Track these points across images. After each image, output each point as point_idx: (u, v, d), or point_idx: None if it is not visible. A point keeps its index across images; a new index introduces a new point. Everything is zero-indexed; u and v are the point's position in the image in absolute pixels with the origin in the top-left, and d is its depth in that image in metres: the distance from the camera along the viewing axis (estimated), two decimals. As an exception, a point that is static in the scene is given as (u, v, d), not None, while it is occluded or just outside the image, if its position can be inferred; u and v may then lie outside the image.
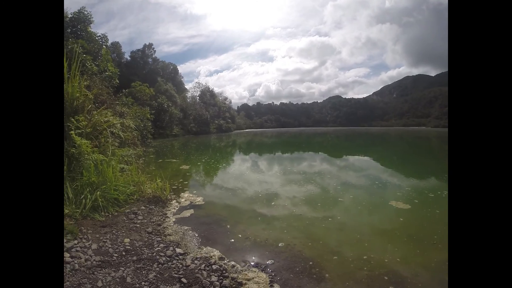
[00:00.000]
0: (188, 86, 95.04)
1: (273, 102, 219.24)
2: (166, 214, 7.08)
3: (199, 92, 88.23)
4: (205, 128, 73.07)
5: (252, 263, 4.68)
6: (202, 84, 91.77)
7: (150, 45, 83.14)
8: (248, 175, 13.77)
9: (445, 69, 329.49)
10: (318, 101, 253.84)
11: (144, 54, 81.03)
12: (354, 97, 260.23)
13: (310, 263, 4.74)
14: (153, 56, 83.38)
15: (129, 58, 78.16)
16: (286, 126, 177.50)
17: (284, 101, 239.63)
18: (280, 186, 10.92)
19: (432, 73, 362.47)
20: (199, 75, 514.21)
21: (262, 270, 4.45)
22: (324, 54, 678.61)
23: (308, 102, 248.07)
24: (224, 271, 4.34)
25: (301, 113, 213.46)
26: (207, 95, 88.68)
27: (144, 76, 67.19)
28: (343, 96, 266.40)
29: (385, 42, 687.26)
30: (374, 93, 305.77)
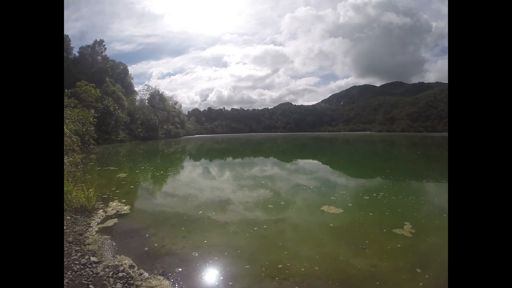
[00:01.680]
0: (138, 88, 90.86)
1: (224, 108, 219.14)
2: (90, 223, 7.04)
3: (148, 95, 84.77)
4: (153, 133, 70.72)
5: (160, 271, 4.74)
6: (151, 87, 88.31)
7: (101, 41, 78.39)
8: (186, 182, 13.74)
9: (389, 80, 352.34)
10: (269, 108, 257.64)
11: (93, 51, 76.12)
12: (304, 104, 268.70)
13: (220, 271, 4.81)
14: (103, 54, 78.76)
15: (77, 54, 73.43)
16: (237, 131, 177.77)
17: (236, 106, 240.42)
18: (211, 192, 11.02)
19: (378, 83, 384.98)
20: (151, 77, 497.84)
21: (167, 278, 4.54)
22: (278, 63, 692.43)
23: (259, 108, 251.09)
24: (130, 279, 4.47)
25: (252, 119, 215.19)
26: (156, 98, 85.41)
27: (92, 75, 63.41)
28: (293, 103, 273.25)
29: (336, 55, 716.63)
30: (323, 101, 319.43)
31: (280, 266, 4.95)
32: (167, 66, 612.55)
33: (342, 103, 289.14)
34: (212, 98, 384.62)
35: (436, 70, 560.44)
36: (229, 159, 26.69)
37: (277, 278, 4.57)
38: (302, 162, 23.50)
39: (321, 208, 8.41)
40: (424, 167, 20.68)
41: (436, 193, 10.95)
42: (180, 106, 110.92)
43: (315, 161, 24.79)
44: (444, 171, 18.15)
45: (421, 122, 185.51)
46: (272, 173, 16.53)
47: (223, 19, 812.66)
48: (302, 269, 4.84)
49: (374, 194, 10.10)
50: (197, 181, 13.88)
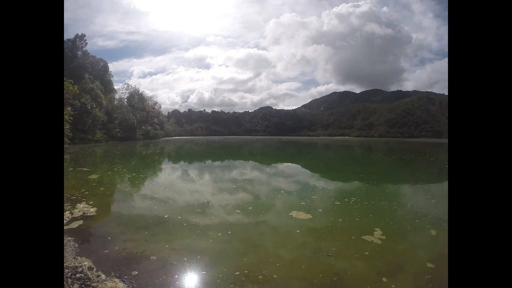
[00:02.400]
0: (117, 86, 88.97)
1: (204, 110, 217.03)
2: (54, 225, 6.54)
3: (127, 95, 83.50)
4: (131, 134, 69.57)
5: (117, 274, 4.73)
6: (131, 86, 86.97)
7: (82, 36, 76.51)
8: (160, 184, 13.61)
9: (368, 88, 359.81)
10: (250, 111, 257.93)
11: (74, 45, 74.19)
12: (284, 108, 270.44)
13: (175, 276, 4.77)
14: (84, 49, 77.02)
15: (57, 48, 71.12)
16: (216, 134, 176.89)
17: (216, 109, 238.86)
18: (180, 195, 10.88)
19: (357, 90, 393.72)
20: (132, 75, 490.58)
21: (122, 281, 4.53)
22: (260, 67, 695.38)
23: (240, 112, 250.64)
24: (87, 280, 4.48)
25: (232, 122, 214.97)
26: (136, 98, 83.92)
27: (71, 71, 61.62)
28: (274, 107, 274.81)
29: (318, 61, 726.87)
30: (303, 106, 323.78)
31: (237, 273, 4.89)
32: (149, 65, 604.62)
33: (322, 109, 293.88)
34: (193, 100, 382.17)
35: (414, 79, 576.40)
36: (208, 161, 26.44)
37: (232, 286, 4.54)
38: (280, 166, 23.62)
39: (290, 214, 8.30)
40: (400, 171, 21.16)
41: (409, 198, 11.05)
42: (160, 107, 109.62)
43: (294, 165, 24.82)
44: (418, 175, 18.51)
45: (398, 128, 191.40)
46: (248, 176, 16.46)
47: (209, 21, 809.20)
48: (260, 277, 4.79)
49: (346, 199, 10.10)
50: (170, 184, 13.73)
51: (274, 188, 12.51)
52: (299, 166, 23.50)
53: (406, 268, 5.24)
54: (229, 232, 6.81)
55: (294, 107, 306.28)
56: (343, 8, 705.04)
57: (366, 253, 5.79)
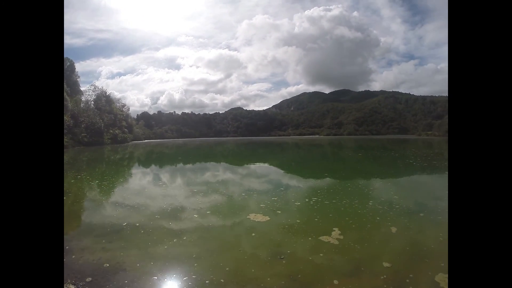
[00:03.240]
0: (84, 88, 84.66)
1: (174, 112, 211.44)
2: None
3: (94, 97, 79.93)
4: (98, 139, 67.15)
5: (73, 281, 4.79)
6: (98, 88, 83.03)
7: None
8: (126, 191, 13.44)
9: (337, 88, 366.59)
10: (220, 112, 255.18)
11: None
12: (255, 109, 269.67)
13: (125, 281, 4.80)
14: None
15: (19, 47, 67.86)
16: (187, 136, 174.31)
17: (187, 111, 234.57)
18: (141, 200, 10.67)
19: (327, 91, 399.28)
20: (100, 76, 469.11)
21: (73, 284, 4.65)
22: (231, 68, 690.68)
23: (211, 113, 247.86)
24: None
25: (203, 124, 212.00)
26: (103, 100, 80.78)
27: (34, 71, 59.02)
28: (245, 108, 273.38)
29: (289, 62, 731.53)
30: (274, 106, 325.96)
31: (185, 278, 4.93)
32: (118, 65, 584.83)
33: (292, 109, 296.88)
34: (163, 101, 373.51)
35: (381, 80, 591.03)
36: (180, 165, 26.24)
37: None
38: (252, 166, 23.81)
39: (248, 217, 8.27)
40: (367, 168, 21.80)
41: (372, 195, 11.32)
42: (128, 109, 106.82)
43: (265, 165, 25.01)
44: (383, 171, 19.05)
45: (366, 126, 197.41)
46: (219, 178, 16.48)
47: (181, 20, 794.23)
48: (207, 281, 4.81)
49: (307, 199, 10.19)
50: (142, 189, 13.55)
51: (239, 189, 12.59)
52: (271, 166, 23.68)
53: (361, 268, 5.28)
54: (185, 238, 6.76)
55: (264, 108, 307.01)
56: (315, 11, 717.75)
57: (321, 254, 5.82)
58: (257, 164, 25.62)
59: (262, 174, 18.84)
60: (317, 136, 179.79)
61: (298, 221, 7.89)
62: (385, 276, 4.96)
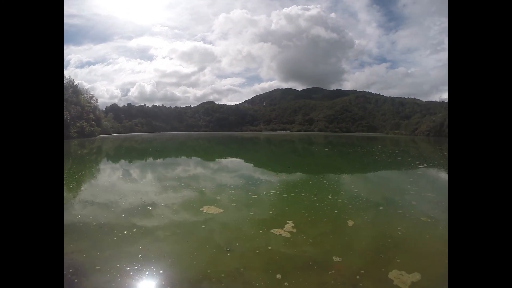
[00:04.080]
0: None
1: (145, 104, 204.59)
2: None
3: None
4: (64, 132, 64.96)
5: None
6: (65, 78, 79.94)
7: None
8: (98, 186, 13.12)
9: (310, 86, 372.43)
10: (192, 106, 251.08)
11: None
12: (227, 103, 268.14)
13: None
14: None
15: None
16: (158, 130, 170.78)
17: (158, 103, 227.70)
18: (123, 198, 10.49)
19: (299, 88, 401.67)
20: (69, 64, 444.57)
21: None
22: (205, 61, 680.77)
23: (182, 106, 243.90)
24: None
25: (174, 117, 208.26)
26: (70, 91, 77.39)
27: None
28: (217, 102, 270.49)
29: (263, 58, 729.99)
30: (246, 101, 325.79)
31: (127, 269, 4.83)
32: (88, 54, 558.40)
33: (264, 104, 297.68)
34: (133, 93, 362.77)
35: (353, 80, 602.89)
36: (150, 159, 25.72)
37: (119, 280, 4.52)
38: (223, 161, 23.53)
39: (201, 209, 8.10)
40: (333, 162, 22.08)
41: (333, 188, 11.16)
42: (97, 101, 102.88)
43: (237, 160, 24.77)
44: (349, 165, 19.43)
45: (336, 123, 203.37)
46: (186, 174, 16.23)
47: (157, 9, 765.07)
48: (147, 273, 4.71)
49: (265, 192, 10.08)
50: (111, 186, 13.14)
51: (193, 184, 12.10)
52: (242, 161, 23.49)
53: (309, 263, 5.10)
54: (134, 230, 6.57)
55: (237, 103, 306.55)
56: (293, 9, 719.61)
57: (269, 247, 5.68)
58: (232, 159, 25.33)
59: (231, 168, 18.62)
60: (288, 132, 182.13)
61: (251, 213, 7.80)
62: (333, 272, 4.80)
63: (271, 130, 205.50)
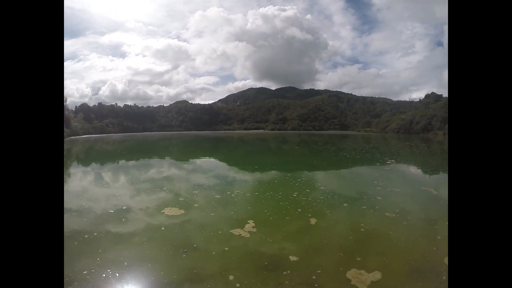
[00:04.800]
0: None
1: (116, 104, 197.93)
2: None
3: None
4: None
5: None
6: None
7: None
8: (69, 191, 11.33)
9: (284, 85, 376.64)
10: (165, 105, 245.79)
11: None
12: (200, 102, 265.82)
13: None
14: None
15: None
16: (130, 130, 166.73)
17: (130, 103, 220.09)
18: (95, 203, 9.56)
19: (273, 87, 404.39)
20: None
21: None
22: (179, 59, 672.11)
23: (155, 106, 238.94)
24: None
25: (146, 117, 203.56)
26: None
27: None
28: (190, 101, 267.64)
29: (238, 58, 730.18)
30: (220, 100, 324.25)
31: (85, 272, 4.66)
32: None
33: (238, 103, 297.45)
34: (104, 92, 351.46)
35: (326, 80, 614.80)
36: (123, 161, 24.70)
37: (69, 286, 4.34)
38: (198, 161, 22.96)
39: (163, 211, 7.84)
40: (302, 160, 22.00)
41: (299, 186, 10.96)
42: (66, 100, 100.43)
43: (211, 159, 24.31)
44: (317, 163, 19.44)
45: (309, 122, 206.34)
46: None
47: (131, 4, 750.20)
48: (103, 275, 4.57)
49: (229, 192, 9.87)
50: (83, 190, 11.73)
51: (155, 187, 11.66)
52: (212, 160, 23.21)
53: (264, 263, 4.99)
54: (95, 234, 6.34)
55: (211, 102, 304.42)
56: (269, 10, 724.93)
57: (226, 248, 5.55)
58: (207, 159, 24.72)
59: (198, 168, 18.23)
60: (262, 130, 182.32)
61: (212, 214, 7.59)
62: (289, 272, 4.67)
63: (245, 129, 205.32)
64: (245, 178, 13.42)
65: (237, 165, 19.47)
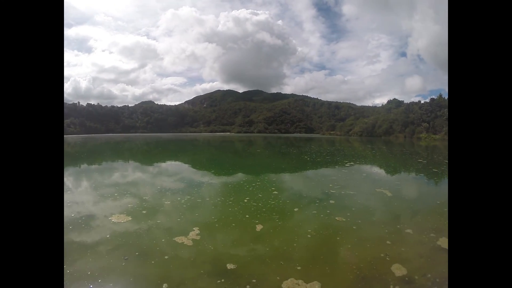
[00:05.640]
0: None
1: (79, 102, 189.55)
2: None
3: None
4: None
5: None
6: None
7: None
8: None
9: (251, 88, 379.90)
10: (130, 105, 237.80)
11: None
12: (166, 104, 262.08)
13: None
14: None
15: None
16: (92, 131, 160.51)
17: (93, 102, 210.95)
18: None
19: (240, 90, 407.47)
20: None
21: None
22: (147, 57, 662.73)
23: (119, 106, 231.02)
24: None
25: (110, 117, 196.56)
26: None
27: None
28: (156, 102, 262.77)
29: (207, 59, 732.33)
30: (186, 102, 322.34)
31: None
32: None
33: (205, 105, 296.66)
34: (67, 89, 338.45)
35: (293, 84, 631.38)
36: (84, 165, 23.25)
37: None
38: (163, 164, 22.17)
39: (110, 218, 7.44)
40: (264, 163, 21.85)
41: (251, 191, 10.68)
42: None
43: (176, 162, 23.60)
44: (276, 166, 19.27)
45: (275, 125, 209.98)
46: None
47: None
48: None
49: (179, 198, 9.51)
50: None
51: (109, 193, 10.83)
52: (195, 162, 22.82)
53: (200, 271, 4.88)
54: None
55: (177, 103, 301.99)
56: (242, 13, 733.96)
57: (166, 257, 5.34)
58: (172, 162, 23.87)
59: (153, 173, 17.59)
60: (228, 133, 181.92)
61: (158, 221, 7.24)
62: (223, 280, 4.54)
63: (211, 131, 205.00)
64: (200, 183, 12.96)
65: (197, 169, 18.91)
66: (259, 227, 6.71)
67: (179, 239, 6.04)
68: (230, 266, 4.94)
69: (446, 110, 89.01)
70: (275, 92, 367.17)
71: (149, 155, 31.83)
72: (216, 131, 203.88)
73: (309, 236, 6.25)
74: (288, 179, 14.58)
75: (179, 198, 9.48)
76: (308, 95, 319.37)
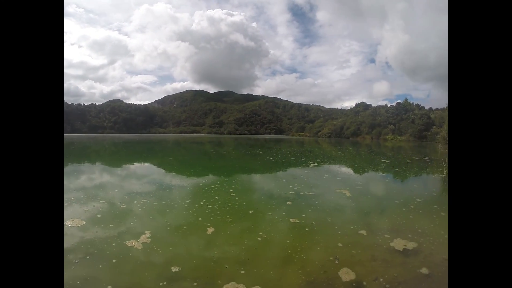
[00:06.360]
0: None
1: None
2: None
3: None
4: None
5: None
6: None
7: None
8: None
9: (222, 89, 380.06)
10: (97, 104, 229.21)
11: None
12: (135, 103, 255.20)
13: None
14: None
15: None
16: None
17: None
18: None
19: (211, 90, 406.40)
20: None
21: None
22: (117, 53, 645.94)
23: (86, 104, 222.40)
24: None
25: (76, 116, 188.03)
26: None
27: None
28: (125, 101, 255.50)
29: (179, 58, 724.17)
30: (156, 101, 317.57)
31: None
32: None
33: (175, 105, 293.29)
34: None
35: (264, 86, 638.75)
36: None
37: None
38: (132, 167, 21.72)
39: (65, 222, 7.10)
40: (227, 164, 21.72)
41: (209, 193, 10.58)
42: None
43: (145, 164, 22.66)
44: (242, 167, 19.19)
45: (246, 126, 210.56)
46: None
47: None
48: None
49: (135, 201, 9.28)
50: None
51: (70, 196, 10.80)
52: (164, 164, 22.11)
53: (145, 274, 4.81)
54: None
55: (146, 102, 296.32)
56: (217, 13, 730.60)
57: (114, 260, 5.23)
58: (141, 164, 22.99)
59: (116, 176, 17.21)
60: (198, 134, 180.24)
61: (111, 225, 7.01)
62: (165, 283, 4.48)
63: (181, 132, 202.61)
64: (160, 185, 12.68)
65: (161, 171, 18.47)
66: (210, 230, 6.66)
67: (129, 243, 5.92)
68: (175, 269, 4.88)
69: (411, 113, 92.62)
70: (246, 93, 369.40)
71: (123, 157, 31.07)
72: (186, 132, 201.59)
73: (259, 239, 6.23)
74: (249, 180, 14.60)
75: (135, 201, 9.26)
76: (279, 97, 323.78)
